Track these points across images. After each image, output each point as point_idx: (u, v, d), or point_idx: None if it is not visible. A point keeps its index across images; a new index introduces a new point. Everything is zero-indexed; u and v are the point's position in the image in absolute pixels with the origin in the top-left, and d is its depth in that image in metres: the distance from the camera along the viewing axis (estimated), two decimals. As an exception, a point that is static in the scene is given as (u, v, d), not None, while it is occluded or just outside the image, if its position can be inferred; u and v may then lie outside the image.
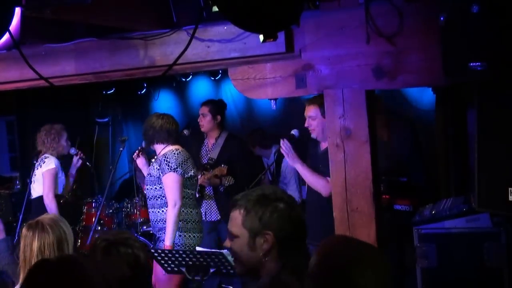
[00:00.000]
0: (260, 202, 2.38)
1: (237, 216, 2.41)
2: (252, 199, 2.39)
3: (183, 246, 5.08)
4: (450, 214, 4.47)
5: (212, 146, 6.34)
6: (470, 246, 4.29)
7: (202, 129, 6.34)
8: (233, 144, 6.31)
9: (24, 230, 3.38)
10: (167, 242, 4.97)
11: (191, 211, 5.19)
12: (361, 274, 1.91)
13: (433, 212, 4.64)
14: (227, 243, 2.49)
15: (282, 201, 2.39)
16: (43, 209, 5.66)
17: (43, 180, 5.94)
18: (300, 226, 2.43)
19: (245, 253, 2.39)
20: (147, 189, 5.24)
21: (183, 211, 5.08)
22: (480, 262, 4.23)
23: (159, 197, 5.14)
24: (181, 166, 5.02)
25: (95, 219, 6.00)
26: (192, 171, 5.17)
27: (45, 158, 6.02)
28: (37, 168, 6.01)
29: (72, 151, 6.32)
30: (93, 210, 6.95)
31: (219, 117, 6.30)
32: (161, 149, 5.17)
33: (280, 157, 6.72)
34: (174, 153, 5.07)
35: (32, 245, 3.30)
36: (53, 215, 3.54)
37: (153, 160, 5.23)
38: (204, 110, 6.27)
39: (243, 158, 6.29)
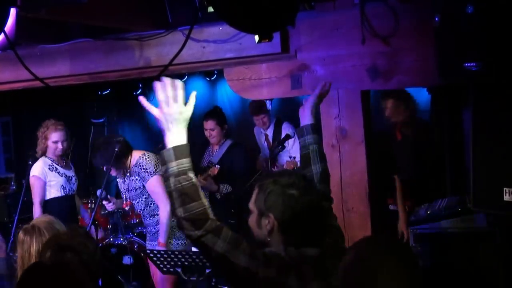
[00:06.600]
0: (270, 185, 2.46)
1: (253, 194, 2.53)
2: (266, 181, 2.49)
3: None
4: (446, 214, 4.48)
5: (215, 151, 6.34)
6: (465, 246, 4.30)
7: (213, 142, 6.32)
8: (236, 152, 6.29)
9: (20, 235, 3.29)
10: (162, 240, 5.01)
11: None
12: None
13: (429, 212, 4.65)
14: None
15: (293, 187, 2.44)
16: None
17: None
18: (311, 212, 2.47)
19: (255, 229, 2.51)
20: (135, 203, 5.29)
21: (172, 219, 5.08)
22: (475, 262, 4.24)
23: (149, 205, 5.20)
24: (158, 167, 5.02)
25: (90, 219, 5.96)
26: None
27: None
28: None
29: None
30: (89, 210, 6.93)
31: (226, 126, 6.31)
32: (129, 160, 5.16)
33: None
34: (145, 158, 5.09)
35: (30, 250, 3.22)
36: (47, 217, 3.49)
37: (127, 174, 5.19)
38: (211, 125, 6.21)
39: (244, 167, 6.25)
